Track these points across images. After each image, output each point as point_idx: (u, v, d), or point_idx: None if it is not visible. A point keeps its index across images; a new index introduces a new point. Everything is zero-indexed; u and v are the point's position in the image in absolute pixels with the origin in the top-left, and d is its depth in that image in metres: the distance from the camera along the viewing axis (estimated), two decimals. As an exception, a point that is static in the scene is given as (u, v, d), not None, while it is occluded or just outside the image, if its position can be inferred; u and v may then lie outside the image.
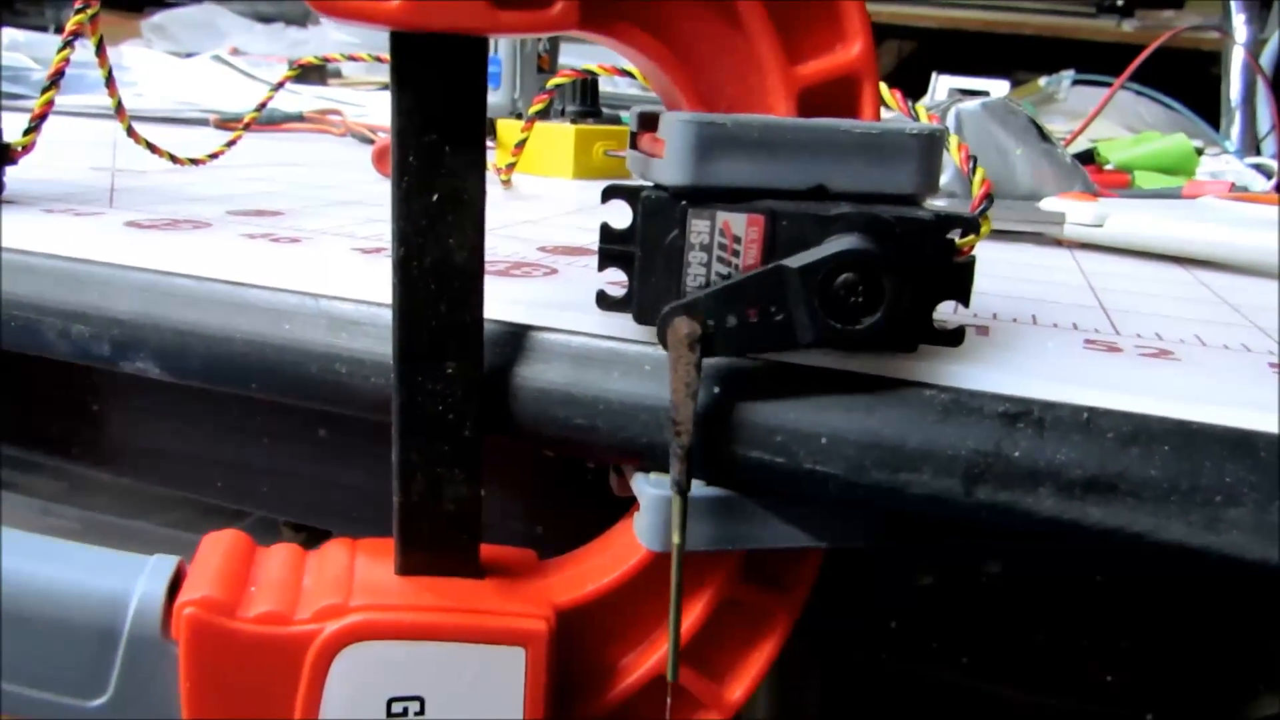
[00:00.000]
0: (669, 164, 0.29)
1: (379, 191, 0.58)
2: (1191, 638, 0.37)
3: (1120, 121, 1.43)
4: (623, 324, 0.31)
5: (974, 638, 0.38)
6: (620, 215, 0.30)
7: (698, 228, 0.29)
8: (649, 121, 0.32)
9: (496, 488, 0.40)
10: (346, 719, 0.31)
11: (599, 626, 0.33)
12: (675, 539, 0.29)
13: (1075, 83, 1.46)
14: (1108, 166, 0.88)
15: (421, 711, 0.31)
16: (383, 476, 0.32)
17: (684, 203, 0.29)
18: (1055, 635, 0.37)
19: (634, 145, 0.33)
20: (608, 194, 0.30)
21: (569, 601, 0.33)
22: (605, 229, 0.30)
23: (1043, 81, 1.50)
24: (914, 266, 0.28)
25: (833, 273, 0.27)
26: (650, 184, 0.30)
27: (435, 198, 0.29)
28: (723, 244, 0.29)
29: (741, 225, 0.29)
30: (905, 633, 0.38)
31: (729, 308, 0.28)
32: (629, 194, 0.30)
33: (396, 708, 0.31)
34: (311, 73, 1.31)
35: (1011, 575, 0.36)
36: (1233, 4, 1.47)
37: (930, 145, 0.29)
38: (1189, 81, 1.38)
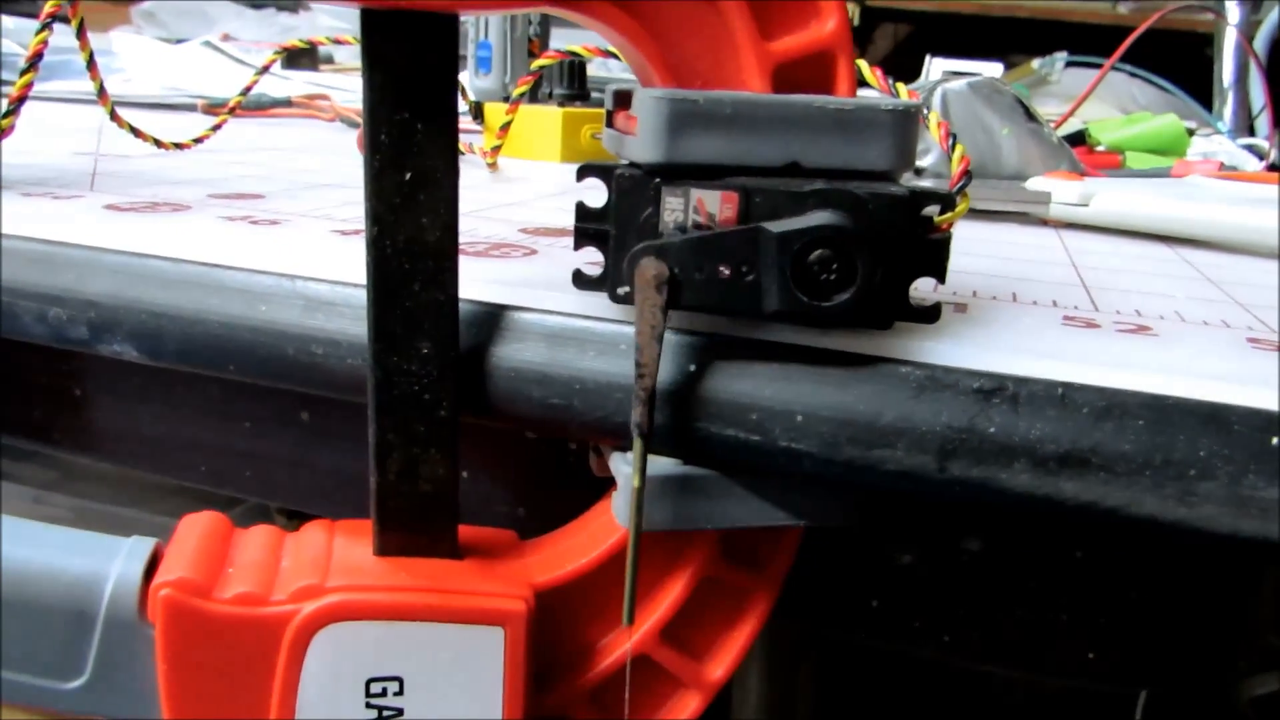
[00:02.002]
0: (642, 141, 0.29)
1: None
2: (1175, 613, 0.37)
3: (1113, 103, 1.42)
4: (599, 303, 0.31)
5: (955, 616, 0.38)
6: (596, 194, 0.30)
7: (672, 205, 0.29)
8: (623, 99, 0.32)
9: (479, 470, 0.40)
10: (324, 700, 0.31)
11: (578, 606, 0.33)
12: (635, 482, 0.28)
13: (1068, 65, 1.45)
14: (1099, 147, 0.88)
15: (400, 692, 0.31)
16: (365, 459, 0.32)
17: (658, 180, 0.29)
18: (1036, 612, 0.37)
19: (610, 124, 0.32)
20: (582, 173, 0.30)
21: (548, 581, 0.33)
22: (581, 208, 0.30)
23: (1036, 64, 1.50)
24: (888, 243, 0.28)
25: (806, 248, 0.27)
26: (625, 162, 0.30)
27: (407, 176, 0.29)
28: (697, 221, 0.29)
29: (715, 202, 0.28)
30: (886, 612, 0.38)
31: (701, 259, 0.28)
32: (603, 172, 0.29)
33: (375, 688, 0.31)
34: (303, 58, 1.31)
35: (991, 552, 0.36)
36: (1226, -15, 1.46)
37: (904, 121, 0.29)
38: (1182, 63, 1.37)
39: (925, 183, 0.56)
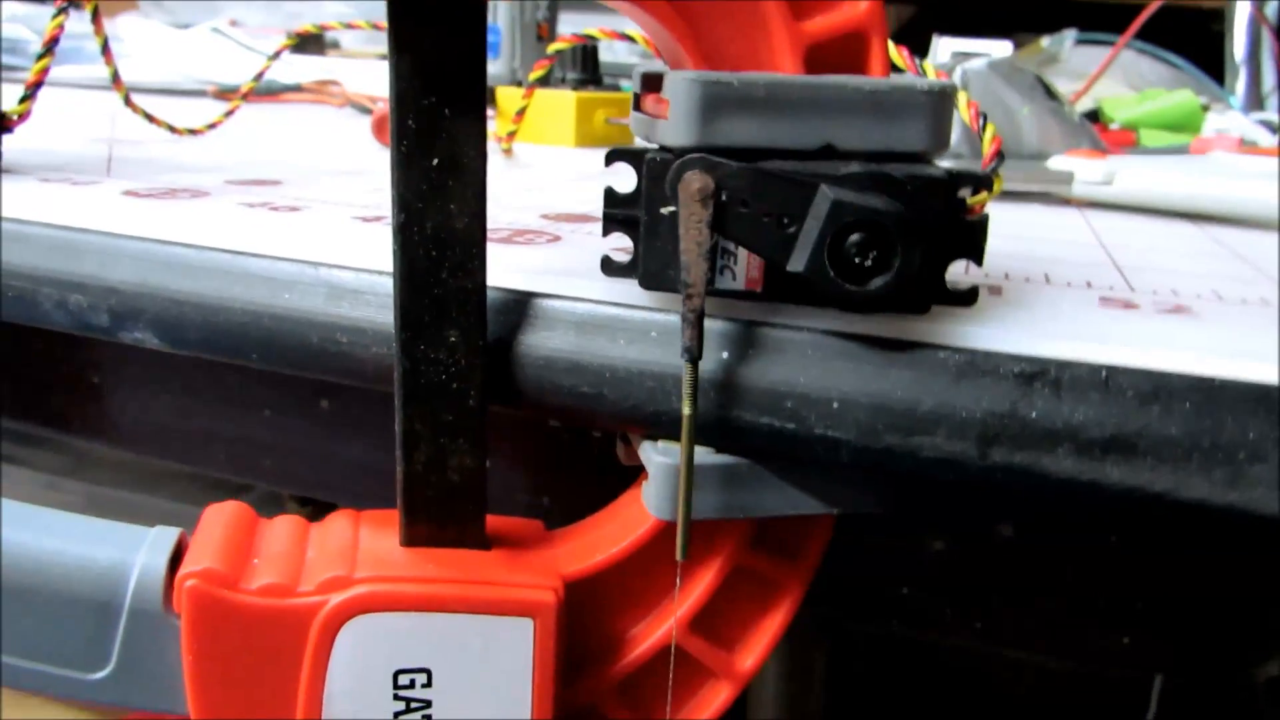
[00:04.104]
0: (674, 125, 0.28)
1: (379, 160, 0.58)
2: (1201, 597, 0.36)
3: (1123, 80, 1.41)
4: (628, 290, 0.30)
5: (986, 603, 0.37)
6: (624, 179, 0.29)
7: (704, 189, 0.28)
8: (653, 82, 0.31)
9: (503, 460, 0.40)
10: (352, 692, 0.30)
11: (607, 597, 0.33)
12: (685, 409, 0.28)
13: (1078, 43, 1.44)
14: (1113, 125, 0.87)
15: (429, 684, 0.31)
16: (385, 449, 0.31)
17: (690, 163, 0.28)
18: (1070, 598, 0.36)
19: (637, 107, 0.32)
20: (611, 158, 0.29)
21: (577, 572, 0.32)
22: (609, 193, 0.29)
23: (1045, 42, 1.49)
24: (926, 225, 0.27)
25: (845, 230, 0.27)
26: (655, 146, 0.29)
27: (435, 162, 0.28)
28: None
29: (749, 185, 0.28)
30: (917, 600, 0.38)
31: (749, 192, 0.27)
32: (633, 157, 0.29)
33: (403, 680, 0.30)
34: (310, 44, 1.30)
35: (1024, 539, 0.36)
36: (1238, -41, 1.45)
37: (940, 101, 0.28)
38: (1190, 40, 1.36)
39: (946, 163, 0.55)
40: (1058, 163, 0.57)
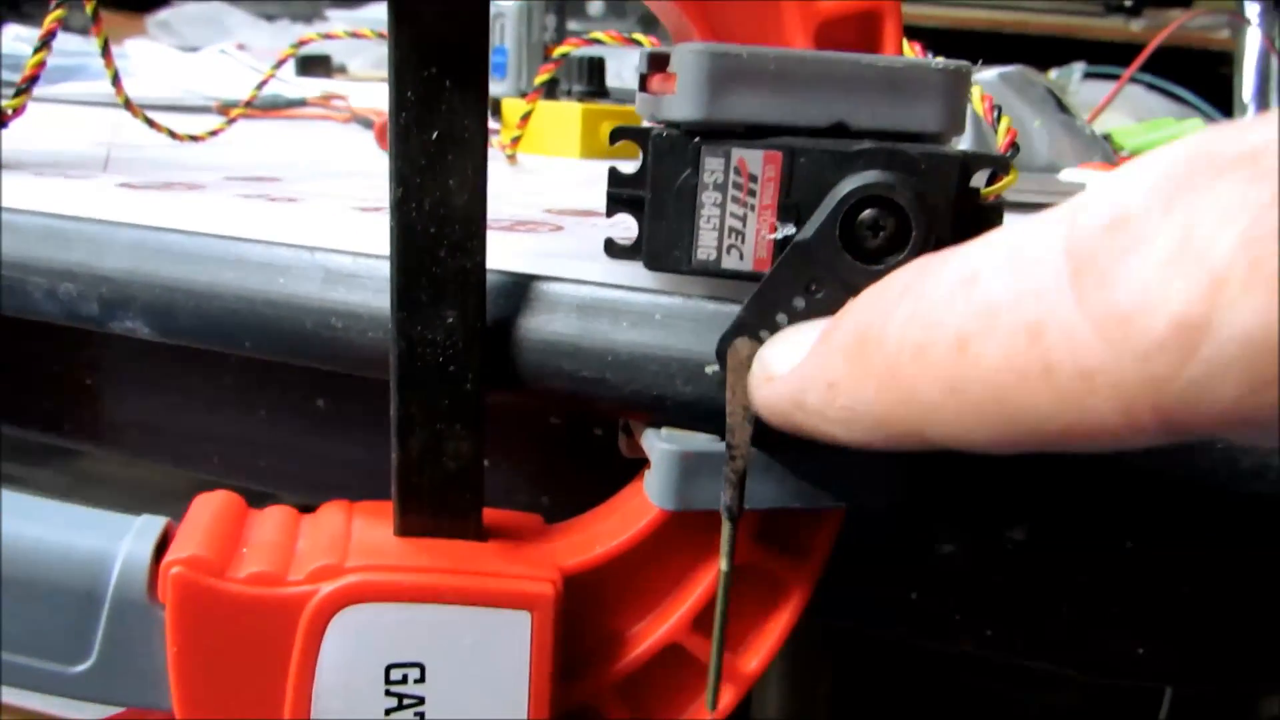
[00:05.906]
0: (681, 98, 0.27)
1: (381, 165, 0.57)
2: (1215, 606, 0.35)
3: (1130, 114, 1.41)
4: (632, 272, 0.29)
5: (997, 609, 0.36)
6: (629, 164, 0.28)
7: (711, 166, 0.27)
8: (659, 61, 0.30)
9: (501, 457, 0.39)
10: (342, 687, 0.29)
11: (608, 592, 0.32)
12: (723, 566, 0.29)
13: (1086, 76, 1.44)
14: (1123, 153, 0.86)
15: (421, 679, 0.30)
16: (383, 450, 0.30)
17: (697, 140, 0.27)
18: (1082, 605, 0.35)
19: (643, 88, 0.31)
20: (616, 135, 0.28)
21: (577, 565, 0.31)
22: (613, 172, 0.29)
23: (1054, 74, 1.49)
24: (940, 205, 0.26)
25: (853, 211, 0.26)
26: (661, 124, 0.29)
27: (434, 135, 0.28)
28: (738, 183, 0.27)
29: (758, 163, 0.27)
30: (925, 605, 0.36)
31: (773, 309, 0.27)
32: (638, 134, 0.28)
33: (395, 675, 0.29)
34: (318, 68, 1.30)
35: (1037, 542, 0.35)
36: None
37: (956, 81, 0.28)
38: (1198, 80, 1.36)
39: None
40: (1070, 175, 0.56)
